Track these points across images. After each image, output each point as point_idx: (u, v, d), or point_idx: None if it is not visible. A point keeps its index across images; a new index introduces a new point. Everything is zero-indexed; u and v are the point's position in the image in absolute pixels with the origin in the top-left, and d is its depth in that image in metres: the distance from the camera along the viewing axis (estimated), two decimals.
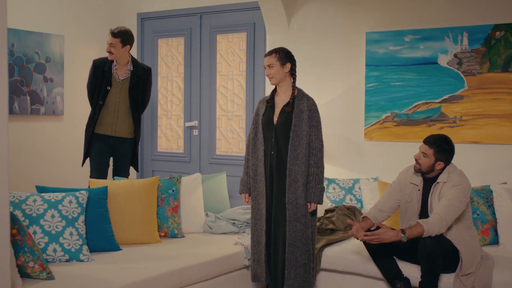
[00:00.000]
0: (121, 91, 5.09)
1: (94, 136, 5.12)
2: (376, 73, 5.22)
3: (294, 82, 4.11)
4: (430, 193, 3.88)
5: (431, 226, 3.65)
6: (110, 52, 5.03)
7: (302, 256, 3.92)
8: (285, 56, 4.05)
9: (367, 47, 5.26)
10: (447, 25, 4.92)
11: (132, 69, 5.11)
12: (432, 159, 3.87)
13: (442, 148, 3.87)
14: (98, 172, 5.10)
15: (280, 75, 4.05)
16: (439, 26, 4.95)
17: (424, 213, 3.91)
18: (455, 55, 4.87)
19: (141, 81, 5.16)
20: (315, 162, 3.98)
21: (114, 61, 5.08)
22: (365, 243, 3.96)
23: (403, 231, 3.68)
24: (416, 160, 3.93)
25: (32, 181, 5.39)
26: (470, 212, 3.90)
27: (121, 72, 5.10)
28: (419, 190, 3.95)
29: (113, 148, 5.17)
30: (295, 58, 4.12)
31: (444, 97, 4.93)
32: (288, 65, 4.06)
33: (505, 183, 4.55)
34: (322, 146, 4.02)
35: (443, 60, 4.93)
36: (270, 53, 4.07)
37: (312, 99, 4.08)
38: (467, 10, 4.85)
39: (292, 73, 4.10)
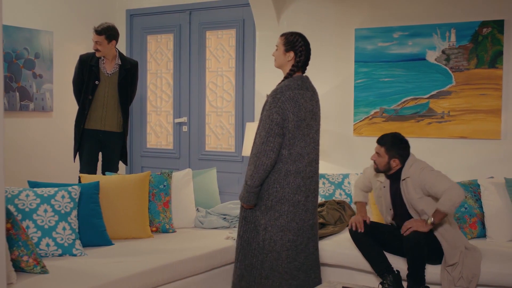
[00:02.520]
0: (110, 85, 5.12)
1: (84, 131, 5.13)
2: (365, 69, 5.26)
3: (288, 74, 3.63)
4: (402, 192, 3.94)
5: (447, 201, 3.70)
6: (97, 50, 5.06)
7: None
8: (289, 43, 3.64)
9: (356, 43, 5.30)
10: (435, 22, 4.97)
11: (120, 63, 5.15)
12: (386, 157, 3.95)
13: (392, 145, 3.94)
14: (88, 167, 5.12)
15: (281, 60, 3.66)
16: (427, 22, 5.00)
17: (397, 208, 4.01)
18: (443, 51, 4.93)
19: (129, 75, 5.20)
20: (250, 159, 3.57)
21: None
22: (352, 236, 4.03)
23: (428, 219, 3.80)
24: (374, 161, 4.01)
25: (22, 177, 5.37)
26: None
27: (109, 67, 5.13)
28: (384, 187, 4.05)
29: (103, 143, 5.20)
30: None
31: (432, 93, 4.99)
32: (291, 54, 3.62)
33: (492, 177, 4.62)
34: (263, 143, 3.47)
35: (431, 56, 4.99)
36: (282, 34, 3.72)
37: (276, 90, 3.55)
38: (455, 7, 4.92)
39: (294, 64, 3.63)
